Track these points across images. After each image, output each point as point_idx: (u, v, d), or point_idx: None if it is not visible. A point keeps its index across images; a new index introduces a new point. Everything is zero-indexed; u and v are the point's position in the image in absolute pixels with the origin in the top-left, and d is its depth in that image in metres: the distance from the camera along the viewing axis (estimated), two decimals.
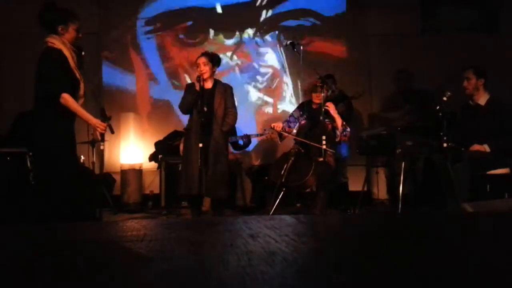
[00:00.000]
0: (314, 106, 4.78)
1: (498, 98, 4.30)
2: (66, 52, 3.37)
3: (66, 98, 3.31)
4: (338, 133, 4.55)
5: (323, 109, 4.31)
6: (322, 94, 4.31)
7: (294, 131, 4.87)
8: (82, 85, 3.44)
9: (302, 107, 4.93)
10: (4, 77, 6.11)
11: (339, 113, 5.18)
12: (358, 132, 5.23)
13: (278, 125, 4.72)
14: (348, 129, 4.61)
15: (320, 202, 4.38)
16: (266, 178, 4.67)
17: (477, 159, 3.99)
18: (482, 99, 4.24)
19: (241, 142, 5.39)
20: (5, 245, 1.71)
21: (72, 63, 3.39)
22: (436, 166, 4.17)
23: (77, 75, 3.42)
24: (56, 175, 3.36)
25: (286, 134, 4.72)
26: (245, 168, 5.65)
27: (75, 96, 3.41)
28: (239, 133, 5.49)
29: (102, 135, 3.68)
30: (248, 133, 5.44)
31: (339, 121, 4.56)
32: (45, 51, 3.37)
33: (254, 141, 5.81)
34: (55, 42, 3.36)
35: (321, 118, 4.56)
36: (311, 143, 4.40)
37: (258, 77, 6.55)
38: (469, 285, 1.08)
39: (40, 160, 3.56)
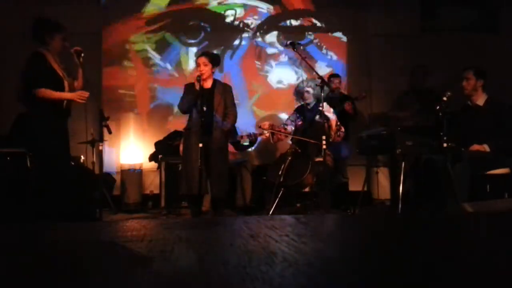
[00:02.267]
0: (308, 107, 4.79)
1: (496, 98, 4.29)
2: (47, 54, 3.63)
3: (41, 92, 3.54)
4: (332, 133, 4.55)
5: (322, 109, 4.31)
6: (322, 94, 4.30)
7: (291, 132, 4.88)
8: (66, 83, 3.69)
9: (298, 110, 4.94)
10: (4, 77, 6.11)
11: (347, 110, 5.19)
12: (358, 132, 5.23)
13: (265, 124, 4.74)
14: (342, 129, 4.61)
15: (323, 203, 4.39)
16: (264, 178, 4.68)
17: (477, 159, 3.99)
18: (481, 99, 4.24)
19: (245, 142, 5.37)
20: (6, 245, 1.71)
21: (54, 63, 3.64)
22: (436, 166, 4.17)
23: (60, 74, 3.67)
24: (52, 174, 3.40)
25: (277, 131, 4.73)
26: (246, 167, 5.63)
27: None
28: (239, 134, 5.48)
29: (102, 134, 3.76)
30: (251, 133, 5.42)
31: (333, 121, 4.56)
32: (27, 57, 3.65)
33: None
34: (39, 49, 3.65)
35: (316, 118, 4.58)
36: (309, 140, 4.42)
37: (258, 77, 6.55)
38: (469, 285, 1.08)
39: (36, 160, 3.63)
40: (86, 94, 3.66)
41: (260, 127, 4.79)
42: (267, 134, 4.73)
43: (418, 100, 5.25)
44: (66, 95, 3.64)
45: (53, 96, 3.58)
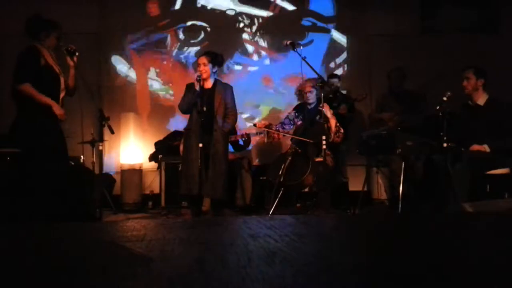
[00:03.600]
0: (309, 107, 4.79)
1: (497, 98, 4.29)
2: (42, 49, 3.58)
3: (26, 88, 3.47)
4: (331, 134, 4.55)
5: (322, 110, 4.32)
6: (322, 94, 4.30)
7: (290, 132, 4.88)
8: (62, 80, 3.65)
9: (298, 109, 4.94)
10: (4, 77, 6.10)
11: (341, 113, 5.18)
12: (358, 132, 5.22)
13: (261, 123, 4.75)
14: (342, 131, 4.61)
15: (323, 203, 4.40)
16: (264, 178, 4.68)
17: (477, 159, 3.99)
18: (481, 99, 4.24)
19: (241, 142, 5.37)
20: (6, 245, 1.71)
21: (49, 59, 3.59)
22: (436, 166, 4.17)
23: (56, 70, 3.62)
24: (46, 174, 3.40)
25: (273, 131, 4.73)
26: (246, 167, 5.62)
27: (57, 89, 3.61)
28: (238, 134, 5.48)
29: (102, 134, 3.77)
30: (244, 133, 5.42)
31: (333, 122, 4.56)
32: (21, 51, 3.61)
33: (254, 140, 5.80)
34: (34, 43, 3.60)
35: (317, 118, 4.58)
36: (309, 140, 4.42)
37: (259, 77, 6.55)
38: (469, 285, 1.08)
39: (30, 160, 3.62)
40: (64, 116, 3.58)
41: (255, 125, 4.79)
42: (272, 137, 4.73)
43: (397, 101, 5.27)
44: (52, 103, 3.52)
45: (35, 97, 3.47)
